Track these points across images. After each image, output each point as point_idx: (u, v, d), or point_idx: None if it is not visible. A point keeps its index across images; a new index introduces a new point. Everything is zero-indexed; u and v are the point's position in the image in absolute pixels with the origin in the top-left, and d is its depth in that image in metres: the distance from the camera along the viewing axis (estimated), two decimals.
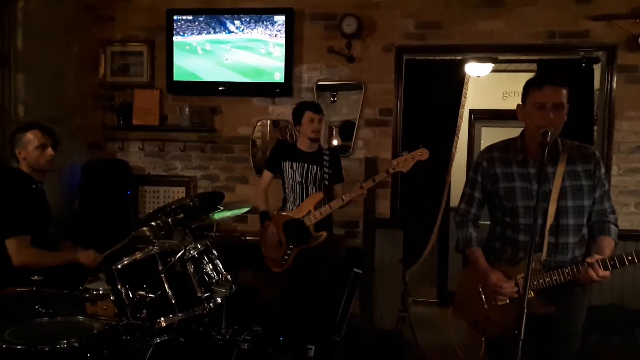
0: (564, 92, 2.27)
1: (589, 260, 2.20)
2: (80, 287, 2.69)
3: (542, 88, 2.26)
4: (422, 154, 3.36)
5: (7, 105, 3.97)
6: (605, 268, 2.17)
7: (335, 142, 4.59)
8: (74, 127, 4.61)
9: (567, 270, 2.25)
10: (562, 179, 2.31)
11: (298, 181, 3.66)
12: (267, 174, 3.79)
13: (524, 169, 2.38)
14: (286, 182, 3.72)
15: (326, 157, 3.73)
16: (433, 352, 4.07)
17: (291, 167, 3.67)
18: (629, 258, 2.13)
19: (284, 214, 3.65)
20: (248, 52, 4.45)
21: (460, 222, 2.58)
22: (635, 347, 3.69)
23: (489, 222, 2.58)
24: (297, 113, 3.71)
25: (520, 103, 2.38)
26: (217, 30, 4.47)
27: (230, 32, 4.45)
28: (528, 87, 2.34)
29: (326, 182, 3.69)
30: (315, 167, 3.67)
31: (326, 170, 3.70)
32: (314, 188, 3.67)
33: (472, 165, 2.59)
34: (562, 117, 2.27)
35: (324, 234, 3.58)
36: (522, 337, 1.88)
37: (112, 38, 4.73)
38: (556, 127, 2.25)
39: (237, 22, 4.43)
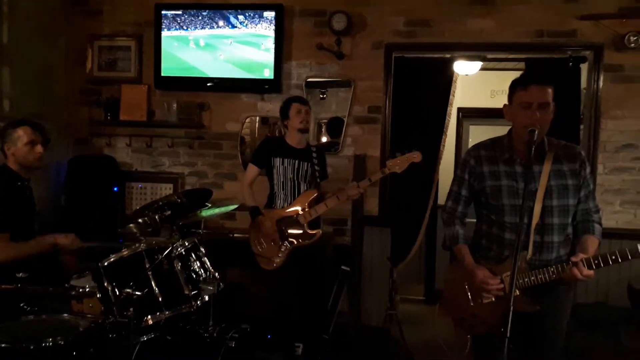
0: (550, 91, 2.28)
1: (573, 259, 2.22)
2: (66, 285, 2.67)
3: (528, 87, 2.27)
4: (417, 156, 3.40)
5: None
6: (590, 267, 2.19)
7: (324, 139, 4.59)
8: (61, 122, 4.57)
9: (552, 269, 2.27)
10: (547, 178, 2.32)
11: (290, 178, 3.64)
12: (253, 169, 3.73)
13: (511, 167, 2.39)
14: (275, 178, 3.69)
15: (314, 154, 3.72)
16: (420, 350, 4.09)
17: (282, 164, 3.65)
18: (613, 257, 2.15)
19: (276, 211, 3.64)
20: (251, 47, 4.42)
21: (448, 220, 2.59)
22: (619, 345, 3.73)
23: (475, 220, 2.59)
24: (284, 108, 3.71)
25: (507, 102, 2.40)
26: (220, 25, 4.44)
27: (234, 26, 4.42)
28: (514, 87, 2.35)
29: (318, 180, 3.69)
30: (306, 164, 3.66)
31: (316, 167, 3.69)
32: (305, 185, 3.67)
33: (459, 163, 2.60)
34: (548, 116, 2.28)
35: (319, 232, 3.57)
36: (508, 334, 1.89)
37: (99, 32, 4.68)
38: (542, 126, 2.27)
39: (240, 17, 4.40)
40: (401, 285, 4.74)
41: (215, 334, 2.81)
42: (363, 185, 3.48)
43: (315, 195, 3.61)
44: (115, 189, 4.56)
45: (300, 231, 3.53)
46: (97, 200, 4.47)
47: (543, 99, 2.26)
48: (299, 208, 3.56)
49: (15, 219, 2.85)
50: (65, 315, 2.38)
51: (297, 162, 3.65)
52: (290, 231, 3.54)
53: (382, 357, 4.01)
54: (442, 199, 4.86)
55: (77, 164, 4.57)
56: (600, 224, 2.41)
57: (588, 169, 2.41)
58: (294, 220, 3.54)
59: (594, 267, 2.18)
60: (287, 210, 3.58)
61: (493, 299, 2.39)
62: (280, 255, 3.53)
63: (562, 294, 2.41)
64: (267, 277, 3.66)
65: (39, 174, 3.58)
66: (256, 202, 3.69)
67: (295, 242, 3.54)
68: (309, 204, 3.56)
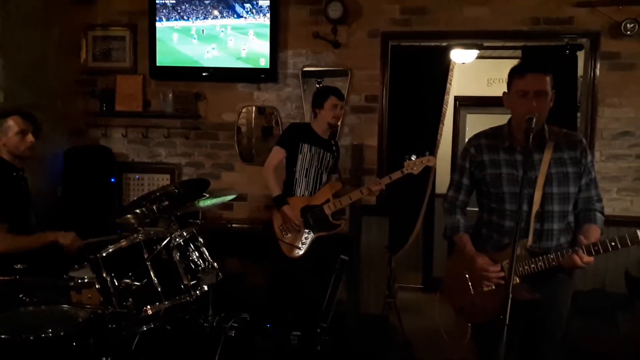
0: (547, 79, 2.28)
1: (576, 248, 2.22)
2: (65, 276, 2.66)
3: (525, 76, 2.28)
4: (430, 160, 3.53)
5: None
6: (589, 254, 2.19)
7: None
8: (56, 113, 4.54)
9: (551, 256, 2.27)
10: (548, 166, 2.32)
11: (315, 166, 3.62)
12: (279, 152, 3.62)
13: (511, 155, 2.39)
14: (299, 164, 3.61)
15: (334, 147, 3.74)
16: (418, 337, 4.11)
17: (309, 151, 3.60)
18: (612, 244, 2.14)
19: (302, 198, 3.61)
20: (246, 36, 4.38)
21: (448, 209, 2.60)
22: (617, 330, 3.76)
23: (477, 209, 2.60)
24: (321, 96, 3.64)
25: (506, 90, 2.40)
26: (214, 14, 4.39)
27: (228, 15, 4.38)
28: (512, 75, 2.35)
29: (338, 171, 3.71)
30: (328, 154, 3.67)
31: (336, 159, 3.73)
32: (326, 175, 3.69)
33: (460, 152, 2.61)
34: (545, 104, 2.28)
35: (343, 222, 3.63)
36: (507, 322, 1.90)
37: (93, 22, 4.63)
38: (540, 114, 2.26)
39: (235, 6, 4.36)
40: (399, 274, 4.76)
41: (214, 323, 2.81)
42: (384, 182, 3.53)
43: (339, 187, 3.65)
44: (112, 180, 4.54)
45: (325, 221, 3.56)
46: (93, 191, 4.45)
47: (540, 87, 2.25)
48: (323, 198, 3.57)
49: (12, 210, 2.84)
50: (65, 306, 2.36)
51: (322, 151, 3.64)
52: (315, 220, 3.56)
53: (381, 345, 4.03)
54: (439, 188, 4.93)
55: (73, 155, 4.54)
56: (602, 212, 2.41)
57: (589, 157, 2.40)
58: (319, 210, 3.56)
59: (593, 253, 2.18)
60: (313, 200, 3.59)
61: (493, 287, 2.39)
62: (303, 244, 3.55)
63: (563, 282, 2.41)
64: (264, 266, 3.67)
65: (34, 165, 3.56)
66: (281, 189, 3.64)
67: (320, 232, 3.56)
68: (333, 195, 3.58)
